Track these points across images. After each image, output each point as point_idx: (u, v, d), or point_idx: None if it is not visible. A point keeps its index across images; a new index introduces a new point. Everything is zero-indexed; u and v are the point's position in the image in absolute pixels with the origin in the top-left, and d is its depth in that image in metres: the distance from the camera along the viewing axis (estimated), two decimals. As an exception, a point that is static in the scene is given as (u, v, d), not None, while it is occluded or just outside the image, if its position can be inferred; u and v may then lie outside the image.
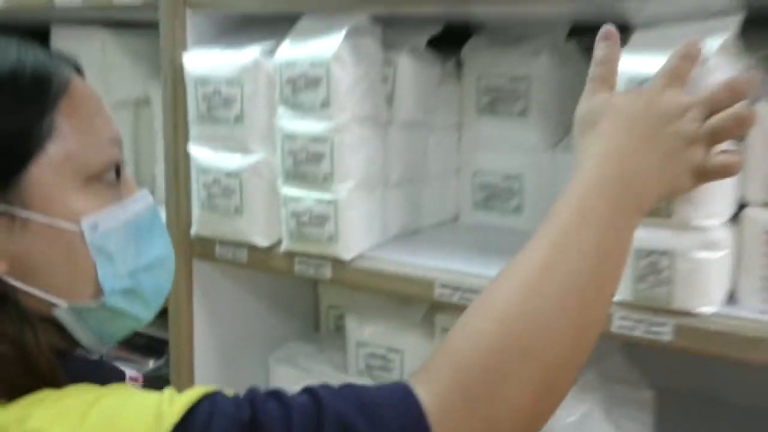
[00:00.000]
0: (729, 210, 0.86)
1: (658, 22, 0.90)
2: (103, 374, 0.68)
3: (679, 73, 0.75)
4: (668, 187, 0.73)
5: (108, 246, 0.66)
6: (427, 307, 1.18)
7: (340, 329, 1.35)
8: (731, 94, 0.72)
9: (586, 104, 0.77)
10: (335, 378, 1.22)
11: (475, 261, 1.07)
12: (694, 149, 0.73)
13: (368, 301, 1.24)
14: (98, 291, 0.66)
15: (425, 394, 0.61)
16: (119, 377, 0.70)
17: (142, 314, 0.71)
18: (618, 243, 0.69)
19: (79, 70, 0.71)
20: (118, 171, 0.68)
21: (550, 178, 1.21)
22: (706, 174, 0.74)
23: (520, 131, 1.21)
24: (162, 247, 0.72)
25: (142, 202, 0.70)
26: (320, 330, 1.46)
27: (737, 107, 0.73)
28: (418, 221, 1.25)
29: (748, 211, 0.87)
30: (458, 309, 1.00)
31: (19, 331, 0.61)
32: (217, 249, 1.19)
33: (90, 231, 0.65)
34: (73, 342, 0.69)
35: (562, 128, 1.21)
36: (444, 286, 1.01)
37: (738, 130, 0.74)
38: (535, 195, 1.22)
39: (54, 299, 0.65)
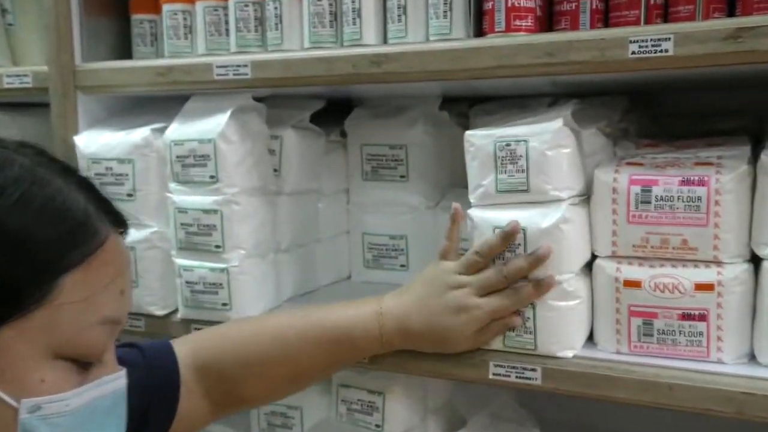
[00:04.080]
0: (581, 262, 0.91)
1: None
2: None
3: (492, 252, 0.88)
4: (435, 341, 0.90)
5: None
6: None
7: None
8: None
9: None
10: (237, 439, 1.20)
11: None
12: (462, 317, 0.87)
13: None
14: None
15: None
16: None
17: None
18: (353, 357, 0.92)
19: (122, 223, 0.61)
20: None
21: (431, 236, 1.25)
22: (484, 337, 0.90)
23: (402, 194, 1.25)
24: None
25: (110, 385, 0.60)
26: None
27: (516, 301, 0.88)
28: (313, 282, 1.26)
29: (599, 262, 0.92)
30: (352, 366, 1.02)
31: None
32: (115, 321, 1.16)
33: (27, 413, 0.55)
34: None
35: (440, 190, 1.26)
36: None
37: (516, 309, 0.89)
38: (419, 252, 1.26)
39: None
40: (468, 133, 0.92)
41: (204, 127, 1.06)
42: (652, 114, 1.24)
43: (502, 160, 0.89)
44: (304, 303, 1.19)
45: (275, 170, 1.16)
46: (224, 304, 1.07)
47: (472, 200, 0.93)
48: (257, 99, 1.11)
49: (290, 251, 1.20)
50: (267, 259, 1.13)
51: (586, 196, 0.93)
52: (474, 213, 0.92)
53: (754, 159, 0.88)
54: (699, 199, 0.85)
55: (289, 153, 1.17)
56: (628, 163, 0.92)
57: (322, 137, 1.25)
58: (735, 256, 0.86)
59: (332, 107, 1.25)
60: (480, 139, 0.91)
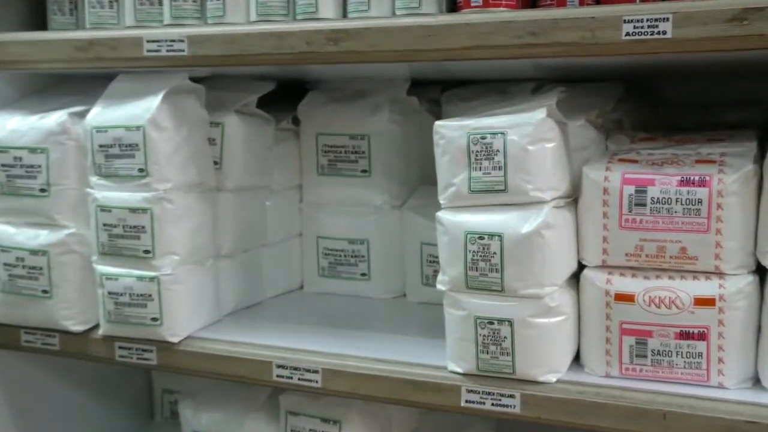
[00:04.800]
0: (566, 274, 0.92)
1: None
2: None
3: None
4: None
5: None
6: (271, 388, 1.18)
7: (177, 415, 1.32)
8: None
9: None
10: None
11: (320, 336, 1.08)
12: None
13: (206, 383, 1.22)
14: None
15: None
16: None
17: None
18: None
19: None
20: None
21: (397, 241, 1.25)
22: None
23: (363, 192, 1.24)
24: None
25: None
26: (155, 417, 1.42)
27: None
28: (259, 293, 1.25)
29: (587, 273, 0.93)
30: (302, 390, 1.01)
31: None
32: (23, 336, 1.14)
33: None
34: None
35: (407, 187, 1.26)
36: (282, 366, 1.02)
37: None
38: (382, 259, 1.26)
39: None
40: (438, 123, 0.92)
41: (132, 111, 1.04)
42: (650, 104, 1.26)
43: (477, 156, 0.89)
44: (249, 318, 1.18)
45: (216, 163, 1.14)
46: (154, 319, 1.06)
47: (441, 201, 0.93)
48: (195, 80, 1.10)
49: (233, 257, 1.19)
50: (205, 266, 1.12)
51: (572, 198, 0.93)
52: (444, 216, 0.92)
53: (761, 156, 0.89)
54: (699, 201, 0.86)
55: (232, 143, 1.15)
56: (622, 160, 0.92)
57: (271, 125, 1.23)
58: (739, 267, 0.87)
59: (283, 90, 1.25)
60: (451, 131, 0.91)
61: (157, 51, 1.02)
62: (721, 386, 0.88)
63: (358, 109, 1.24)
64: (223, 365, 1.05)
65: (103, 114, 1.06)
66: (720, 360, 0.87)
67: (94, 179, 1.07)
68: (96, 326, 1.12)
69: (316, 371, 1.00)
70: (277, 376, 1.02)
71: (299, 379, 1.01)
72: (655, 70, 1.15)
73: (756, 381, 0.89)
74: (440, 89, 1.27)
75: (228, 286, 1.18)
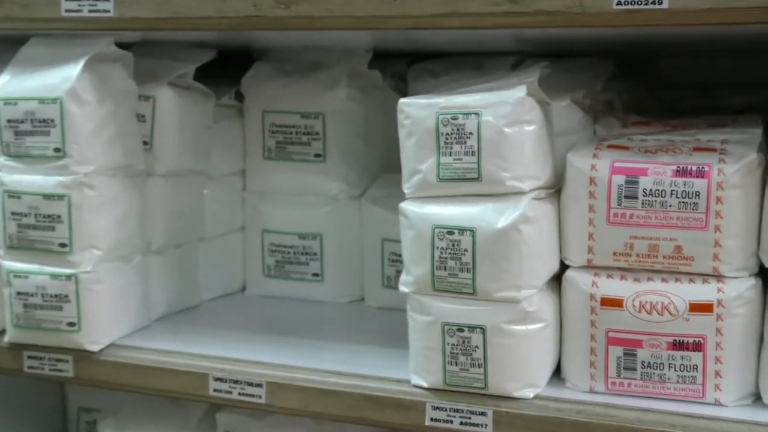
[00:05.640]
0: (546, 275, 0.94)
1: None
2: None
3: None
4: None
5: None
6: (207, 405, 1.19)
7: (96, 439, 1.32)
8: None
9: None
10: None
11: (265, 344, 1.09)
12: None
13: (131, 400, 1.22)
14: None
15: None
16: None
17: None
18: None
19: None
20: None
21: (355, 236, 1.26)
22: None
23: (317, 179, 1.26)
24: None
25: None
26: (70, 440, 1.42)
27: None
28: (195, 295, 1.26)
29: (570, 275, 0.95)
30: (243, 408, 1.02)
31: None
32: None
33: None
34: None
35: (368, 175, 1.28)
36: (220, 380, 1.03)
37: None
38: (338, 257, 1.27)
39: None
40: (402, 101, 0.93)
41: (47, 81, 1.04)
42: (646, 84, 1.29)
43: (447, 139, 0.90)
44: (183, 324, 1.19)
45: (145, 143, 1.15)
46: (71, 324, 1.06)
47: (406, 190, 0.94)
48: (122, 46, 1.10)
49: (164, 253, 1.19)
50: (132, 263, 1.12)
51: (555, 189, 0.95)
52: (408, 208, 0.93)
53: (767, 145, 0.91)
54: (697, 194, 0.88)
55: (165, 120, 1.16)
56: (611, 146, 0.94)
57: (210, 100, 1.24)
58: (740, 269, 0.89)
59: (225, 60, 1.25)
60: (418, 110, 0.92)
61: (77, 11, 1.02)
62: (717, 403, 0.90)
63: (311, 84, 1.25)
64: (152, 378, 1.06)
65: (12, 84, 1.06)
66: (717, 374, 0.90)
67: (1, 160, 1.06)
68: (2, 332, 1.11)
69: (259, 385, 1.01)
70: (215, 390, 1.03)
71: (240, 393, 1.02)
72: (651, 45, 1.17)
73: (757, 398, 0.91)
74: (407, 62, 1.28)
75: (158, 286, 1.18)
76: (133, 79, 1.12)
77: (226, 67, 1.26)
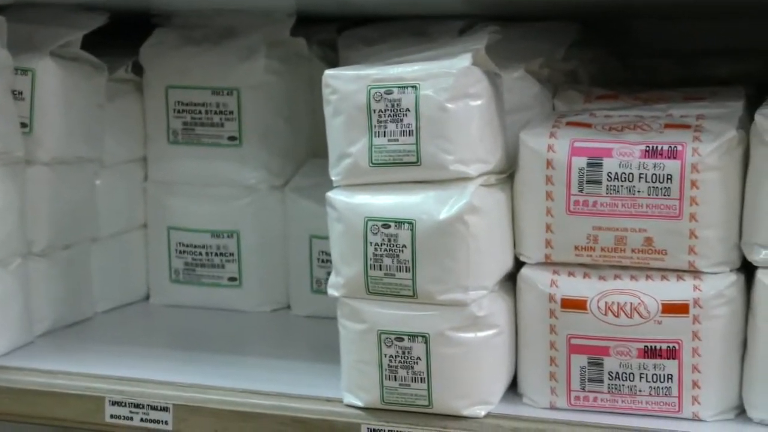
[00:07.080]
0: (498, 273, 0.96)
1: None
2: None
3: None
4: None
5: None
6: (104, 434, 1.19)
7: (-31, 480, 1.32)
8: None
9: None
10: None
11: (172, 362, 1.11)
12: None
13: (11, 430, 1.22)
14: None
15: None
16: None
17: None
18: None
19: None
20: None
21: (278, 233, 1.27)
22: None
23: (232, 167, 1.26)
24: None
25: None
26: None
27: None
28: (87, 306, 1.26)
29: (526, 273, 0.97)
30: (145, 435, 1.03)
31: None
32: None
33: None
34: None
35: (292, 161, 1.29)
36: (118, 404, 1.03)
37: None
38: (258, 258, 1.28)
39: None
40: (328, 72, 0.94)
41: None
42: (617, 52, 1.30)
43: (380, 116, 0.91)
44: (73, 339, 1.19)
45: (24, 125, 1.14)
46: (-64, 342, 1.06)
47: (334, 177, 0.95)
48: (-6, 8, 1.10)
49: (49, 256, 1.19)
50: (9, 268, 1.12)
51: (507, 174, 0.97)
52: (336, 197, 0.94)
53: (750, 119, 0.94)
54: (669, 178, 0.90)
55: (48, 98, 1.16)
56: (571, 123, 0.96)
57: (102, 74, 1.24)
58: (719, 264, 0.92)
59: (120, 26, 1.25)
60: (346, 83, 0.93)
61: (-62, -33, 1.02)
62: (696, 418, 0.93)
63: (224, 54, 1.26)
64: (36, 404, 1.06)
65: None
66: (695, 384, 0.92)
67: None
68: None
69: (165, 409, 1.02)
70: (112, 416, 1.03)
71: (143, 420, 1.02)
72: (624, 6, 1.19)
73: (740, 411, 0.94)
74: (337, 29, 1.30)
75: (43, 295, 1.18)
76: (6, 48, 1.11)
77: (121, 35, 1.26)
